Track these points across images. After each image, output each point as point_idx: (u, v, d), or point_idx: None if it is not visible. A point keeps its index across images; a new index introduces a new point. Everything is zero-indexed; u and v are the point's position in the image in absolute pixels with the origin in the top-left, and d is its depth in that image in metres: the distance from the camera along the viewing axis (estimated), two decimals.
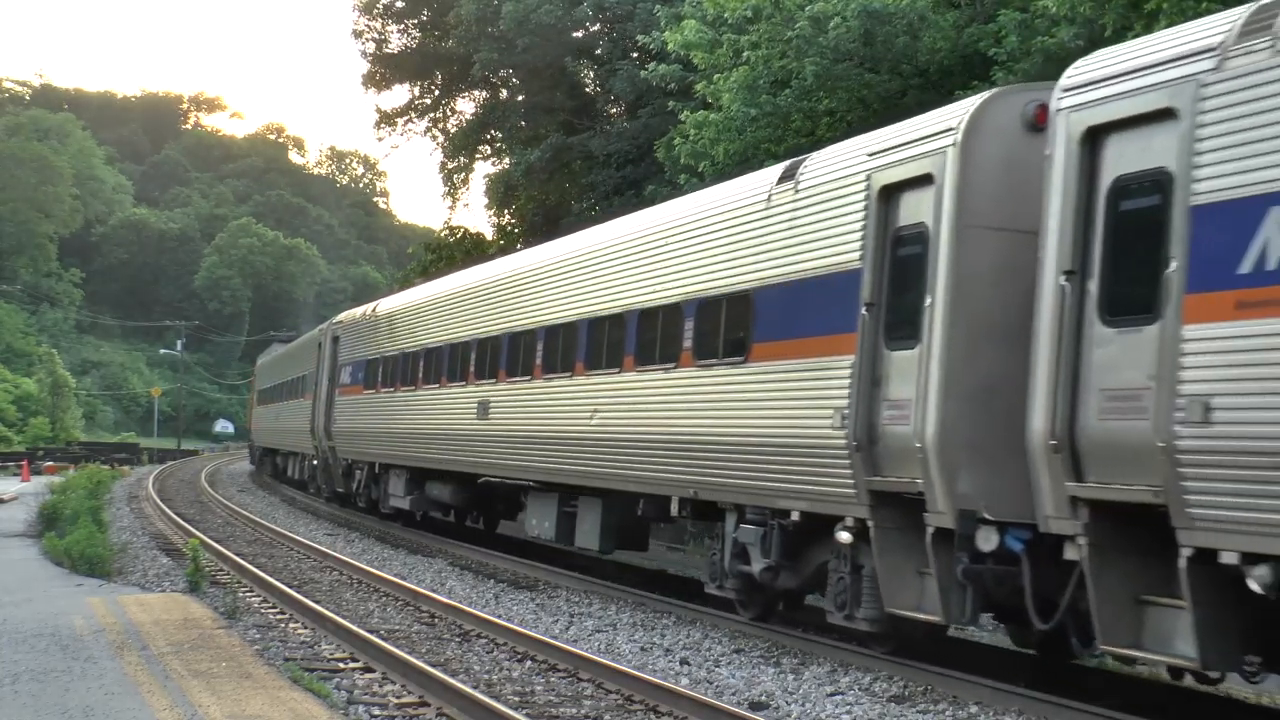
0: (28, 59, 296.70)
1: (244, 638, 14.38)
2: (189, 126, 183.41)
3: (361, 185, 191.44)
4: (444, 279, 31.73)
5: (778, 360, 14.46)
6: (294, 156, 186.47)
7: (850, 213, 13.41)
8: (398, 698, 11.76)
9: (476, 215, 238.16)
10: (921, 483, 12.05)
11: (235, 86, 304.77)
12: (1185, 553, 9.39)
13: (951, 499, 11.73)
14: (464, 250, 48.49)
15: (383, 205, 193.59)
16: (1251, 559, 8.98)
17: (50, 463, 61.17)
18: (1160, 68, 9.98)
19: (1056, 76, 11.40)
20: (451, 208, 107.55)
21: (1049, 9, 18.82)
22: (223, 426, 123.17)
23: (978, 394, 11.81)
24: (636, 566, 23.83)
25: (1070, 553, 10.47)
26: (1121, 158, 10.33)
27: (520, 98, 48.12)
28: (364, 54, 52.96)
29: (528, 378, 21.83)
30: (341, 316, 39.75)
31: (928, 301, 12.18)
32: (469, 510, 29.46)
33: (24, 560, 22.58)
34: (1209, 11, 14.26)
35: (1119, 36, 16.75)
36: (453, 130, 52.94)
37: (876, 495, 12.74)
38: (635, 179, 36.42)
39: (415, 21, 52.32)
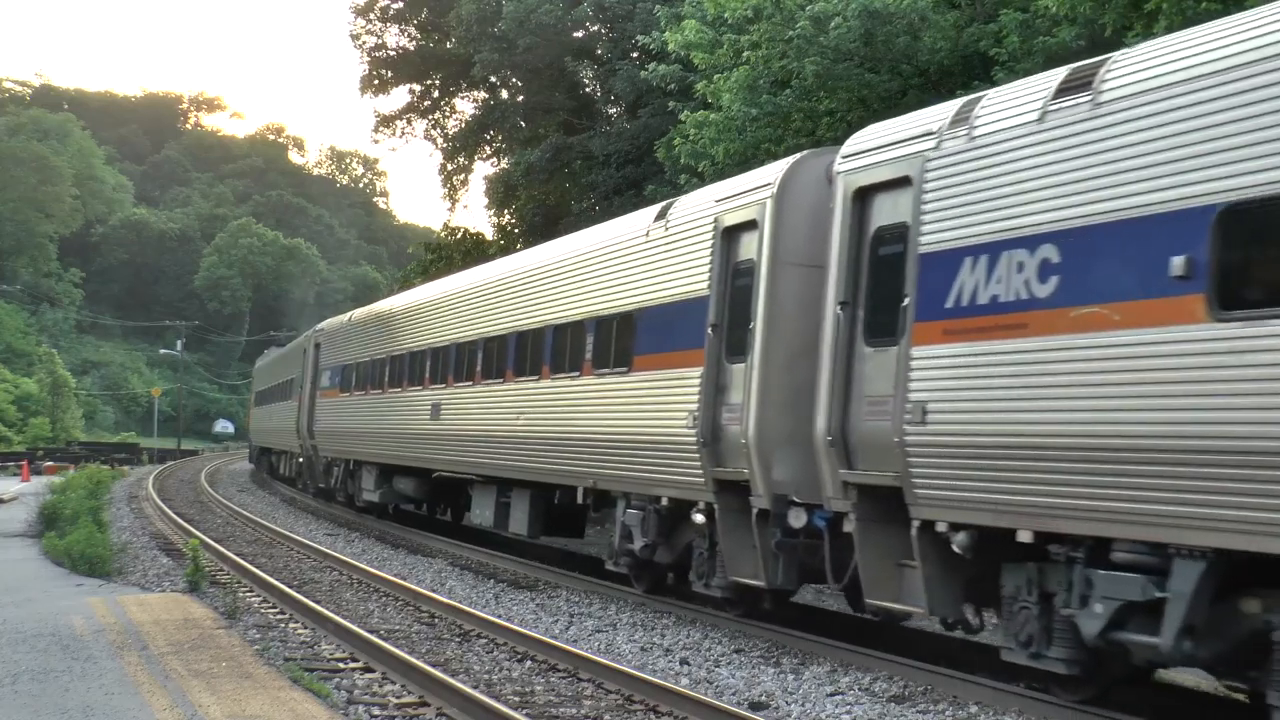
0: (28, 59, 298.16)
1: (244, 638, 14.48)
2: (189, 126, 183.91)
3: (361, 185, 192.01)
4: (408, 292, 34.58)
5: (652, 370, 17.13)
6: (294, 156, 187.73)
7: (703, 249, 16.08)
8: (398, 698, 11.87)
9: (476, 215, 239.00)
10: (748, 472, 14.74)
11: (235, 86, 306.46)
12: (914, 524, 12.08)
13: (768, 485, 14.45)
14: (464, 251, 48.89)
15: (383, 205, 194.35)
16: (956, 528, 11.68)
17: (50, 463, 60.98)
18: (904, 144, 12.68)
19: None
20: (451, 208, 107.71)
21: (1050, 9, 19.20)
22: (223, 426, 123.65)
23: (788, 400, 14.42)
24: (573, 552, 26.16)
25: (847, 526, 13.15)
26: (880, 213, 13.00)
27: (520, 98, 48.35)
28: (362, 58, 53.33)
29: (470, 383, 24.61)
30: (323, 324, 42.40)
31: (752, 324, 14.87)
32: (433, 503, 31.91)
33: (24, 560, 22.64)
34: (1208, 12, 15.59)
35: (1119, 36, 17.67)
36: (452, 131, 53.40)
37: (720, 483, 15.39)
38: (635, 179, 36.65)
39: (414, 22, 52.61)
